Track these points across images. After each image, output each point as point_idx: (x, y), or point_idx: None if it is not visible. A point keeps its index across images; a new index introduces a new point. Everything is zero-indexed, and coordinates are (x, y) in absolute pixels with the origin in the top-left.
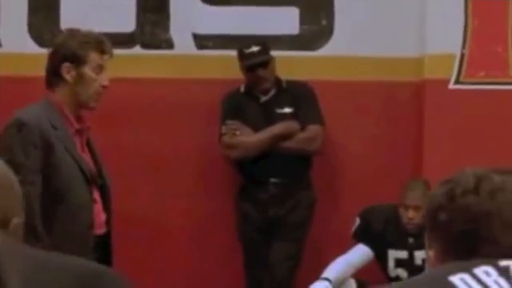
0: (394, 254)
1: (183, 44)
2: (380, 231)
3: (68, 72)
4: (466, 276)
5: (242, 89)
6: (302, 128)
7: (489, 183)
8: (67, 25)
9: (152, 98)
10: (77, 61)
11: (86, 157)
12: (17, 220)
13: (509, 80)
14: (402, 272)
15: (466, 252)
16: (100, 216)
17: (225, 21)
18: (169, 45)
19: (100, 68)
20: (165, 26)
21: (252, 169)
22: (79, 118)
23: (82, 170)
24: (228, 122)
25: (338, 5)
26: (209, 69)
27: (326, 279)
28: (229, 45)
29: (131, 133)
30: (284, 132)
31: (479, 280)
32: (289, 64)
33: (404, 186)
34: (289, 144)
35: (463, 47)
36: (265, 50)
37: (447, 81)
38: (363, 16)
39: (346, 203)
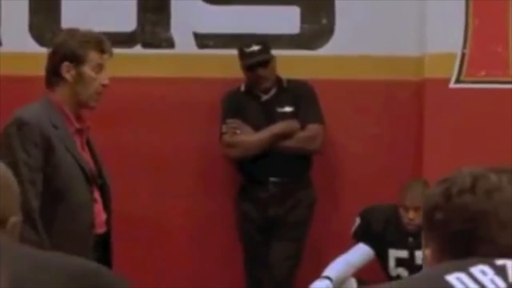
0: (394, 254)
1: (183, 43)
2: (380, 231)
3: (68, 71)
4: (463, 275)
5: (242, 88)
6: (302, 127)
7: (486, 182)
8: (68, 24)
9: (153, 97)
10: (77, 60)
11: (86, 157)
12: (15, 219)
13: (509, 79)
14: (402, 272)
15: (462, 251)
16: (100, 215)
17: (225, 20)
18: (170, 44)
19: (100, 67)
20: (166, 26)
21: (252, 169)
22: (79, 118)
23: (82, 169)
24: (229, 121)
25: (338, 4)
26: (210, 68)
27: (327, 277)
28: (229, 44)
29: (131, 132)
30: (285, 131)
31: (475, 279)
32: (289, 63)
33: (404, 186)
34: (289, 143)
35: (464, 46)
36: (265, 49)
37: (447, 81)
38: (364, 15)
39: (346, 203)
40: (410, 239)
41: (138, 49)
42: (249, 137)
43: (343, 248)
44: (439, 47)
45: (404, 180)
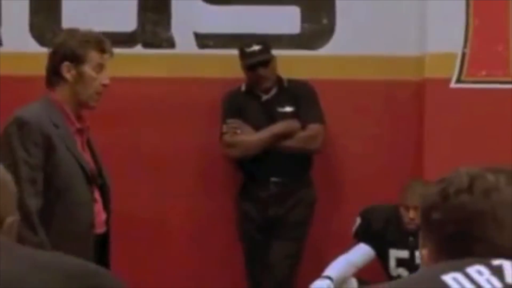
0: (395, 254)
1: (184, 43)
2: (380, 231)
3: (68, 71)
4: (459, 275)
5: (243, 88)
6: (303, 127)
7: (483, 182)
8: (69, 24)
9: (153, 97)
10: (77, 60)
11: (87, 156)
12: (11, 219)
13: (510, 79)
14: (403, 272)
15: (459, 251)
16: (100, 215)
17: (226, 20)
18: (170, 44)
19: (100, 67)
20: (166, 25)
21: (252, 168)
22: (79, 118)
23: (83, 169)
24: (229, 121)
25: (339, 4)
26: (210, 68)
27: (328, 277)
28: (230, 44)
29: (131, 133)
30: (285, 131)
31: (471, 279)
32: (290, 63)
33: (404, 186)
34: (289, 143)
35: (464, 46)
36: (266, 49)
37: (448, 80)
38: (364, 15)
39: (346, 203)
40: (411, 239)
41: (138, 49)
42: (249, 137)
43: (344, 247)
44: (439, 47)
45: (404, 180)
